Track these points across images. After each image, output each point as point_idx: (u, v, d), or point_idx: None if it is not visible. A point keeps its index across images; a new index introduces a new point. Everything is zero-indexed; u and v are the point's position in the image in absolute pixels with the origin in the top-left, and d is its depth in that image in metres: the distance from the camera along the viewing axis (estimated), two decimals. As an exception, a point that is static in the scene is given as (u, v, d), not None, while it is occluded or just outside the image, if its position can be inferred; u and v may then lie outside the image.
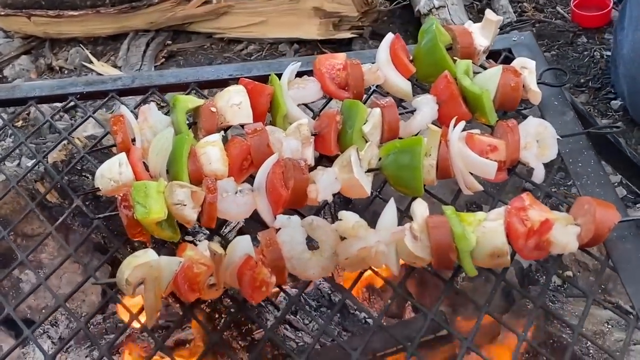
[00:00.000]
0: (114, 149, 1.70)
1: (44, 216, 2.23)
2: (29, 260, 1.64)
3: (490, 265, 1.40)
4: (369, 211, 1.57)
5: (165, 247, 1.56)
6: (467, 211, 1.57)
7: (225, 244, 1.42)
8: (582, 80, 3.34)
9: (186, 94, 1.89)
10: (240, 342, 1.89)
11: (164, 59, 4.06)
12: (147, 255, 1.34)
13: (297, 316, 1.81)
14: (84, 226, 2.12)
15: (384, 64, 1.78)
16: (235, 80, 1.89)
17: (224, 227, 1.60)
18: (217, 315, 1.81)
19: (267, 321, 1.86)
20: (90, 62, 4.11)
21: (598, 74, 3.35)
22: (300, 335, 1.95)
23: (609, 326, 1.83)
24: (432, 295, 1.92)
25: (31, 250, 1.63)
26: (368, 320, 2.08)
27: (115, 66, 4.05)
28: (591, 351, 1.73)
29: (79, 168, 2.18)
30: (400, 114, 1.67)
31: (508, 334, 1.63)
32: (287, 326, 1.91)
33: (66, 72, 4.09)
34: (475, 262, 1.37)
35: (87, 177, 2.14)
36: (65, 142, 1.91)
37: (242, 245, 1.37)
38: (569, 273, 2.05)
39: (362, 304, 1.47)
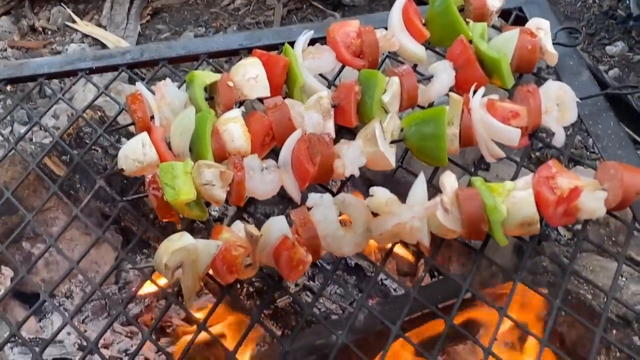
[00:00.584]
0: (131, 128, 1.68)
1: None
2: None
3: (519, 233, 1.42)
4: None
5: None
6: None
7: (253, 221, 1.43)
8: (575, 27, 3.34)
9: (197, 67, 1.87)
10: (265, 311, 1.93)
11: (149, 17, 4.00)
12: (184, 240, 1.35)
13: (316, 281, 1.81)
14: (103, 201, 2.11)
15: (397, 30, 1.77)
16: (245, 50, 1.89)
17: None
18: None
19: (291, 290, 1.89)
20: (73, 21, 4.03)
21: (592, 19, 3.35)
22: (321, 301, 1.98)
23: (624, 279, 1.87)
24: (457, 261, 1.94)
25: (58, 235, 1.61)
26: (385, 282, 2.12)
27: (99, 25, 3.98)
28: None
29: (87, 142, 2.16)
30: (417, 82, 1.67)
31: (532, 297, 1.65)
32: (308, 292, 1.93)
33: (50, 33, 4.02)
34: (505, 230, 1.39)
35: (97, 151, 2.13)
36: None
37: (278, 225, 1.38)
38: (578, 227, 2.07)
39: (394, 276, 1.48)
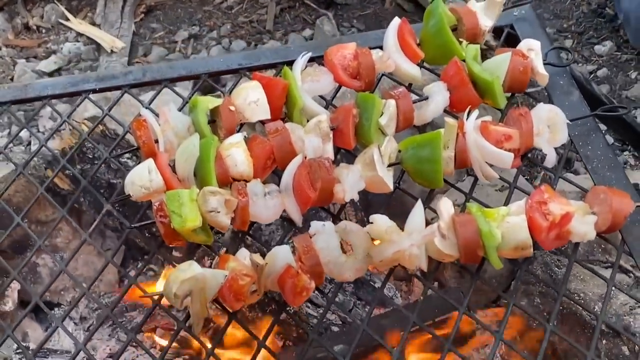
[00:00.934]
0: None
1: (57, 202, 2.29)
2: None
3: (513, 256, 1.48)
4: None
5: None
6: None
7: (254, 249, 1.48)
8: (564, 25, 3.38)
9: (197, 87, 1.92)
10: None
11: (142, 15, 4.02)
12: (192, 269, 1.40)
13: (315, 292, 1.88)
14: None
15: (392, 51, 1.82)
16: (245, 70, 1.93)
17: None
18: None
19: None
20: (67, 19, 4.05)
21: (580, 17, 3.39)
22: (320, 311, 2.04)
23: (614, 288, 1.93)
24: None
25: (68, 261, 1.66)
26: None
27: (93, 24, 4.00)
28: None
29: (90, 156, 2.21)
30: (413, 102, 1.72)
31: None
32: (309, 304, 1.99)
33: (44, 31, 4.03)
34: (499, 253, 1.45)
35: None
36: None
37: (282, 254, 1.44)
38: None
39: (395, 302, 1.54)
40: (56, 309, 2.38)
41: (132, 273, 2.43)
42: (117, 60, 3.69)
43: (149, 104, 1.85)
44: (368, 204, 2.05)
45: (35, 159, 2.19)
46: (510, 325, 1.83)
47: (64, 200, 2.30)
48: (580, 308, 1.82)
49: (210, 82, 1.94)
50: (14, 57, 3.92)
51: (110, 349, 2.19)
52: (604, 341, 1.79)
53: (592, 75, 3.12)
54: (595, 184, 1.62)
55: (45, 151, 2.22)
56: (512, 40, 1.98)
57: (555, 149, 1.64)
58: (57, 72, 3.78)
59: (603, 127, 2.69)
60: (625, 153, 2.78)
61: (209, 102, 1.71)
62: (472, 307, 2.04)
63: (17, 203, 2.27)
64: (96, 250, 2.42)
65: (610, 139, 2.81)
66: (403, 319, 1.48)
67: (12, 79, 3.76)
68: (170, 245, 1.57)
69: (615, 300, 1.83)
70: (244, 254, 1.49)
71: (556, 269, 1.95)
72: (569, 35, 3.33)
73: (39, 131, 3.25)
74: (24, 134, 3.34)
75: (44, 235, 1.77)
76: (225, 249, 2.12)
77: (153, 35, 3.90)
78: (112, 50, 3.75)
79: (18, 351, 2.19)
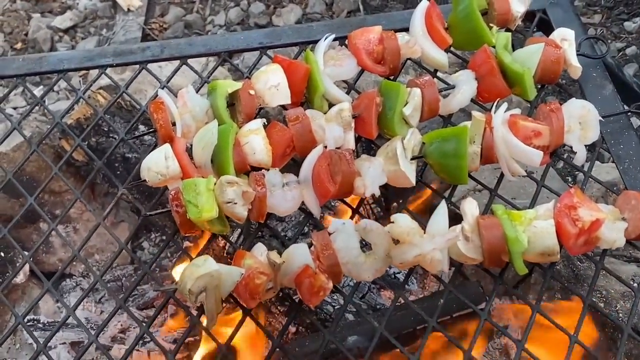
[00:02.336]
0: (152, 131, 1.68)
1: (70, 173, 2.26)
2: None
3: (539, 261, 1.44)
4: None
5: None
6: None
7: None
8: (594, -1, 3.30)
9: (217, 65, 1.86)
10: (279, 307, 1.95)
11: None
12: (207, 265, 1.36)
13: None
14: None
15: (419, 35, 1.76)
16: (264, 49, 1.88)
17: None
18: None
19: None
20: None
21: (611, -9, 3.30)
22: (335, 297, 2.00)
23: (635, 284, 1.89)
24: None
25: (81, 245, 1.62)
26: (397, 275, 2.15)
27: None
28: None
29: (105, 129, 2.16)
30: (438, 91, 1.66)
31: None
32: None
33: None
34: (525, 257, 1.41)
35: (115, 139, 2.13)
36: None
37: (300, 253, 1.40)
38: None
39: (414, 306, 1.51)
40: (68, 279, 2.36)
41: (145, 244, 2.44)
42: (133, 20, 3.63)
43: (167, 82, 1.80)
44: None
45: (48, 125, 2.14)
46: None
47: (78, 171, 2.27)
48: (602, 305, 1.78)
49: (229, 61, 1.87)
50: (28, 10, 3.87)
51: (121, 324, 2.17)
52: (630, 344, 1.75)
53: (620, 53, 3.04)
54: (626, 186, 1.56)
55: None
56: (543, 26, 1.91)
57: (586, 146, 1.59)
58: (73, 28, 3.72)
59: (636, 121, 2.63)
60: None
61: (228, 86, 1.65)
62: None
63: (30, 172, 2.24)
64: (110, 221, 2.39)
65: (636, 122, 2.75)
66: (428, 308, 1.44)
67: (26, 34, 3.70)
68: (186, 235, 1.53)
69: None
70: (260, 249, 1.45)
71: (579, 263, 1.90)
72: (598, 10, 3.24)
73: (57, 96, 3.20)
74: (38, 92, 3.29)
75: (57, 209, 1.74)
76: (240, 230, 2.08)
77: (172, -5, 3.82)
78: (128, 9, 3.68)
79: (28, 323, 2.18)
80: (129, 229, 2.37)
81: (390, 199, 2.24)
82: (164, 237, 2.35)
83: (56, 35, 3.70)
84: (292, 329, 1.97)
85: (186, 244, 2.14)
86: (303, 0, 3.61)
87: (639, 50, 3.01)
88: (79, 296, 2.21)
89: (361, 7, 3.47)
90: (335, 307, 1.98)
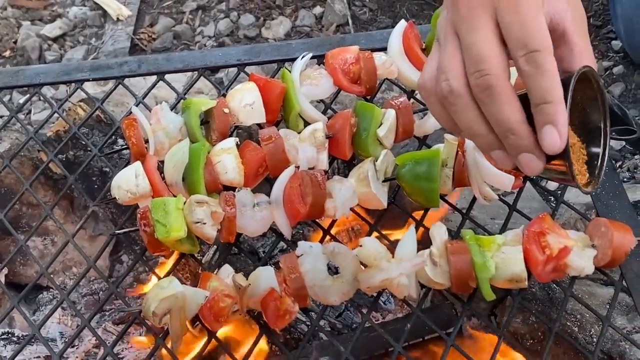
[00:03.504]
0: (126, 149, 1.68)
1: (48, 186, 2.25)
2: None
3: (507, 287, 1.43)
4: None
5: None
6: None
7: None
8: (583, 17, 3.28)
9: (194, 82, 1.86)
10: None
11: (152, -18, 3.94)
12: (172, 287, 1.36)
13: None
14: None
15: (396, 56, 1.75)
16: (243, 66, 1.87)
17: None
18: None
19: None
20: (75, -18, 3.98)
21: (600, 10, 3.29)
22: (311, 316, 1.99)
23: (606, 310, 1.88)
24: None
25: (50, 261, 1.61)
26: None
27: (101, -12, 3.93)
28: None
29: (83, 143, 2.16)
30: (414, 112, 1.66)
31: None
32: (301, 311, 1.94)
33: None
34: (492, 283, 1.40)
35: (90, 151, 2.13)
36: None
37: (266, 276, 1.40)
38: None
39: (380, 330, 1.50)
40: (45, 292, 2.35)
41: (125, 258, 2.43)
42: (122, 29, 3.62)
43: (143, 98, 1.80)
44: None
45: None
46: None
47: (56, 184, 2.26)
48: (576, 329, 1.77)
49: (206, 77, 1.87)
50: (19, 18, 3.86)
51: (95, 339, 2.16)
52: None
53: (607, 72, 3.03)
54: (598, 212, 1.56)
55: (40, 133, 2.18)
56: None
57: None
58: (62, 37, 3.72)
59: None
60: (636, 157, 2.71)
61: (202, 104, 1.65)
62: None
63: (8, 184, 2.24)
64: (88, 235, 2.38)
65: (619, 143, 2.75)
66: (396, 331, 1.43)
67: (15, 42, 3.70)
68: (154, 254, 1.53)
69: (614, 322, 1.78)
70: (227, 271, 1.45)
71: (554, 285, 1.89)
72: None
73: (43, 106, 3.20)
74: (23, 101, 3.28)
75: (34, 221, 1.74)
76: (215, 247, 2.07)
77: (161, 4, 3.82)
78: (118, 19, 3.68)
79: (3, 337, 2.17)
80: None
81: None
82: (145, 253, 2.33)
83: (45, 43, 3.70)
84: (266, 348, 1.96)
85: (162, 260, 2.13)
86: (293, 13, 3.61)
87: (625, 70, 3.00)
88: (56, 311, 2.23)
89: (350, 22, 3.46)
90: (309, 326, 1.98)
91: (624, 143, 2.74)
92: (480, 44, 1.00)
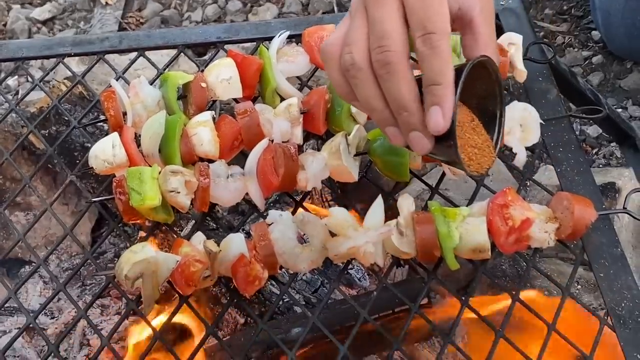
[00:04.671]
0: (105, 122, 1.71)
1: (31, 161, 2.28)
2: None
3: (471, 257, 1.46)
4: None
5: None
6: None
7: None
8: (564, 7, 3.32)
9: (174, 58, 1.89)
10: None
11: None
12: (145, 251, 1.39)
13: (282, 270, 1.89)
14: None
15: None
16: (222, 43, 1.91)
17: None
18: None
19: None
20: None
21: (581, 1, 3.33)
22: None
23: (578, 287, 1.93)
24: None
25: (28, 228, 1.65)
26: (350, 271, 2.19)
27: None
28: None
29: (65, 119, 2.19)
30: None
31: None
32: (273, 282, 1.98)
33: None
34: (457, 253, 1.44)
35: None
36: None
37: (236, 242, 1.44)
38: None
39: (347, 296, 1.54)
40: (27, 266, 2.39)
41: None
42: (111, 13, 3.65)
43: (123, 73, 1.83)
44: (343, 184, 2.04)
45: (13, 115, 2.17)
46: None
47: (39, 159, 2.29)
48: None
49: (186, 55, 1.90)
50: (9, 1, 3.88)
51: (75, 311, 2.19)
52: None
53: (586, 62, 3.08)
54: (562, 188, 1.60)
55: (24, 108, 2.21)
56: (497, 30, 1.94)
57: (527, 148, 1.62)
58: (51, 20, 3.75)
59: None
60: (612, 144, 2.76)
61: (179, 77, 1.69)
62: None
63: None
64: (70, 210, 2.42)
65: (596, 131, 2.80)
66: (362, 307, 1.47)
67: (5, 25, 3.72)
68: (129, 222, 1.56)
69: (580, 299, 1.82)
70: (199, 238, 1.48)
71: (524, 263, 1.94)
72: (568, 19, 3.28)
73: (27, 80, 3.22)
74: (12, 83, 3.32)
75: (18, 197, 1.77)
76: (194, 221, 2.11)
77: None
78: (106, 2, 3.71)
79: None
80: (89, 218, 2.40)
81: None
82: (125, 228, 2.37)
83: (34, 26, 3.73)
84: (242, 320, 2.00)
85: (141, 233, 2.17)
86: (280, 0, 3.65)
87: (604, 60, 3.05)
88: (37, 284, 2.26)
89: (336, 9, 3.50)
90: (285, 300, 2.02)
91: (600, 130, 2.79)
92: (384, 20, 1.04)
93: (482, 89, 1.19)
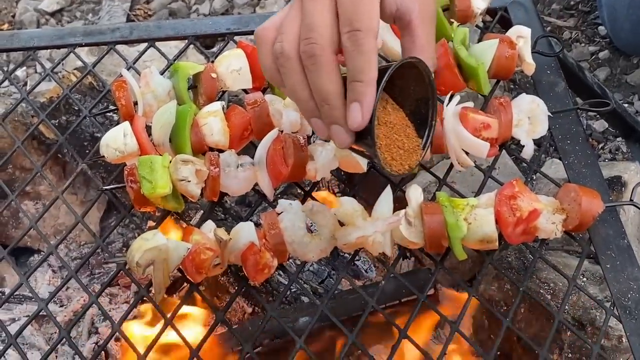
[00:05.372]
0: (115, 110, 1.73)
1: (41, 151, 2.30)
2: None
3: (479, 248, 1.48)
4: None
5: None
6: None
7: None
8: (571, 3, 3.33)
9: (183, 49, 1.91)
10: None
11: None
12: (156, 239, 1.41)
13: (289, 260, 1.91)
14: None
15: (381, 28, 1.79)
16: (232, 35, 1.92)
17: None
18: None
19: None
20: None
21: (588, -4, 3.34)
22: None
23: (584, 279, 1.94)
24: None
25: (40, 216, 1.67)
26: (356, 262, 2.20)
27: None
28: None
29: (76, 109, 2.21)
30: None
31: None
32: (280, 272, 2.00)
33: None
34: (465, 244, 1.45)
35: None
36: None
37: (246, 231, 1.45)
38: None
39: (355, 285, 1.56)
40: (36, 254, 2.41)
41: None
42: (119, 5, 3.67)
43: (134, 63, 1.85)
44: (348, 174, 2.05)
45: (23, 104, 2.18)
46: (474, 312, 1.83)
47: (49, 149, 2.31)
48: (549, 297, 1.83)
49: (196, 46, 1.92)
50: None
51: (84, 300, 2.22)
52: (568, 333, 1.80)
53: (593, 57, 3.08)
54: (569, 180, 1.61)
55: (34, 98, 2.23)
56: (504, 24, 1.96)
57: (534, 140, 1.64)
58: (59, 12, 3.76)
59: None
60: (618, 139, 2.77)
61: (190, 68, 1.70)
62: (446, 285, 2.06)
63: (2, 148, 2.29)
64: (79, 200, 2.43)
65: (602, 125, 2.80)
66: (374, 294, 1.48)
67: (13, 16, 3.74)
68: (140, 211, 1.58)
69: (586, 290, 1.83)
70: (209, 226, 1.50)
71: (530, 256, 1.95)
72: (575, 14, 3.28)
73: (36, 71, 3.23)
74: (21, 74, 3.34)
75: (27, 186, 1.78)
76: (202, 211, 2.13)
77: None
78: (114, -6, 3.72)
79: (-6, 296, 2.22)
80: (98, 208, 2.42)
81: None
82: (134, 217, 2.38)
83: (43, 18, 3.74)
84: (249, 309, 2.02)
85: (150, 223, 2.19)
86: (288, -8, 3.66)
87: (611, 55, 3.05)
88: (46, 272, 2.28)
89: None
90: (292, 290, 2.04)
91: (606, 125, 2.80)
92: (314, 13, 1.06)
93: (418, 92, 1.20)
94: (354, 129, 1.07)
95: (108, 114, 1.96)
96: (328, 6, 1.06)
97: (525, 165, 1.92)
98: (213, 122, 1.60)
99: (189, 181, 1.51)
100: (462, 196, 1.58)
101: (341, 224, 1.47)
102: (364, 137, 1.10)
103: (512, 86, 2.83)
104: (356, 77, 1.04)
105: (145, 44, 1.93)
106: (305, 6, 1.08)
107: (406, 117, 1.23)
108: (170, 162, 1.52)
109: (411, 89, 1.19)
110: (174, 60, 1.86)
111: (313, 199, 1.61)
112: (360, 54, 1.03)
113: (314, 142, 1.61)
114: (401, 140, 1.20)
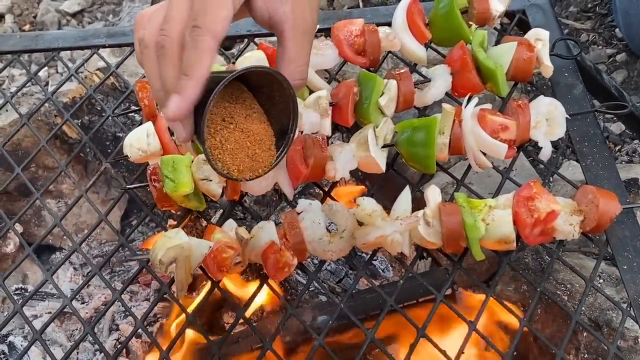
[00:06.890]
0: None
1: (64, 150, 2.33)
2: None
3: (496, 248, 1.49)
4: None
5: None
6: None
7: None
8: (589, 5, 3.33)
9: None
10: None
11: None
12: (179, 237, 1.44)
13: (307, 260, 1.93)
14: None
15: (400, 29, 1.82)
16: (252, 37, 1.94)
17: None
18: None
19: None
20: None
21: (606, -1, 3.34)
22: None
23: (600, 280, 1.95)
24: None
25: (64, 214, 1.70)
26: (373, 262, 2.22)
27: (119, -34, 4.00)
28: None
29: (98, 108, 2.24)
30: (415, 84, 1.72)
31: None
32: (299, 271, 2.02)
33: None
34: (483, 244, 1.47)
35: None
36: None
37: (267, 230, 1.47)
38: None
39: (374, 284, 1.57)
40: (57, 252, 2.44)
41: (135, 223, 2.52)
42: (139, 7, 3.69)
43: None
44: (366, 175, 2.08)
45: (46, 104, 2.21)
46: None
47: (71, 148, 2.35)
48: (566, 298, 1.84)
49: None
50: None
51: (105, 297, 2.24)
52: (584, 333, 1.81)
53: (610, 60, 3.09)
54: (587, 181, 1.63)
55: (57, 98, 2.26)
56: (523, 26, 1.97)
57: (552, 142, 1.65)
58: (80, 13, 3.80)
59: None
60: (635, 141, 2.77)
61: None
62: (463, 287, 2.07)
63: (25, 147, 2.31)
64: (100, 199, 2.47)
65: (620, 128, 2.80)
66: (392, 293, 1.50)
67: (35, 17, 3.78)
68: (162, 209, 1.61)
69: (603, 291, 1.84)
70: (230, 225, 1.52)
71: (547, 257, 1.96)
72: (592, 16, 3.28)
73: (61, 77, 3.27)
74: (43, 74, 3.38)
75: (47, 183, 1.81)
76: (222, 210, 2.16)
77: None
78: (135, -4, 3.75)
79: (16, 292, 2.26)
80: (119, 207, 2.45)
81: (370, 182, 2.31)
82: (155, 216, 2.41)
83: (64, 19, 3.78)
84: (268, 307, 2.05)
85: (170, 222, 2.22)
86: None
87: (628, 57, 3.06)
88: (67, 270, 2.31)
89: (361, 4, 3.53)
90: (310, 289, 2.06)
91: (623, 127, 2.80)
92: (174, 7, 1.09)
93: (281, 103, 1.20)
94: (169, 120, 1.09)
95: (130, 114, 1.98)
96: (187, 2, 1.08)
97: (542, 167, 1.93)
98: (234, 123, 1.63)
99: (211, 180, 1.54)
100: (480, 197, 1.59)
101: (360, 223, 1.49)
102: (199, 135, 1.12)
103: (530, 88, 2.85)
104: (184, 71, 1.06)
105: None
106: (169, 0, 1.11)
107: (270, 130, 1.24)
108: (193, 161, 1.55)
109: (276, 98, 1.20)
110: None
111: (332, 198, 1.63)
112: (194, 50, 1.05)
113: (332, 142, 1.63)
114: (253, 149, 1.21)
